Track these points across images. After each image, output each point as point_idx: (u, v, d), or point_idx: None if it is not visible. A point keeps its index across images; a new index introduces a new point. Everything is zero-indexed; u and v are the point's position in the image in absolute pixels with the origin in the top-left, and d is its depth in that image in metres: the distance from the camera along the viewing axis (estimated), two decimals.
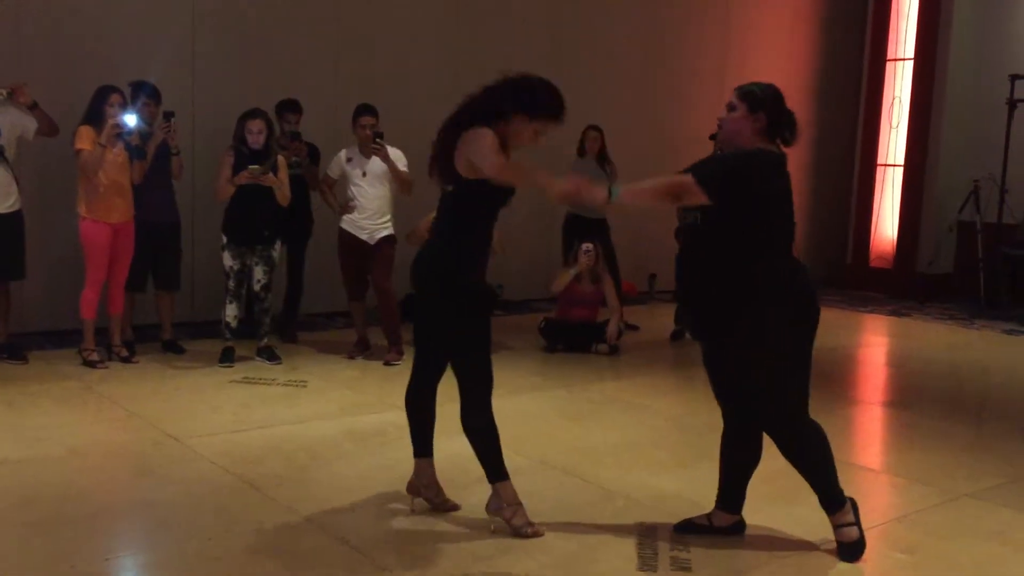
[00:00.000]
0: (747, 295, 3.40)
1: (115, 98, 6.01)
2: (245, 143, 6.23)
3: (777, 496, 4.05)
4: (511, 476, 3.69)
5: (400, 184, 6.54)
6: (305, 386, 5.95)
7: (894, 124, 11.31)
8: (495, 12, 8.97)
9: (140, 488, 4.17)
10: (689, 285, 3.61)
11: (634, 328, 8.09)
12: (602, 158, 7.98)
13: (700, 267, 3.51)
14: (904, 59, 11.24)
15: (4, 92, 5.96)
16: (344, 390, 5.92)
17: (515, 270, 8.70)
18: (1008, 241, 9.97)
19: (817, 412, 3.61)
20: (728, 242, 3.40)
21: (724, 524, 3.75)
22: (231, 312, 6.40)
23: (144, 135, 6.21)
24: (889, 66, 11.37)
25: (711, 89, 10.47)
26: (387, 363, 6.52)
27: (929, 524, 3.96)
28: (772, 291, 3.40)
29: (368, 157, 6.48)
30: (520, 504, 3.67)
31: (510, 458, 3.72)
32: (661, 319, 8.40)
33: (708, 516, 3.77)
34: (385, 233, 6.59)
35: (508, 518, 3.65)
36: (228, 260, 6.32)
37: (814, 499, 3.66)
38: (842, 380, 6.85)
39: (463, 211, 3.65)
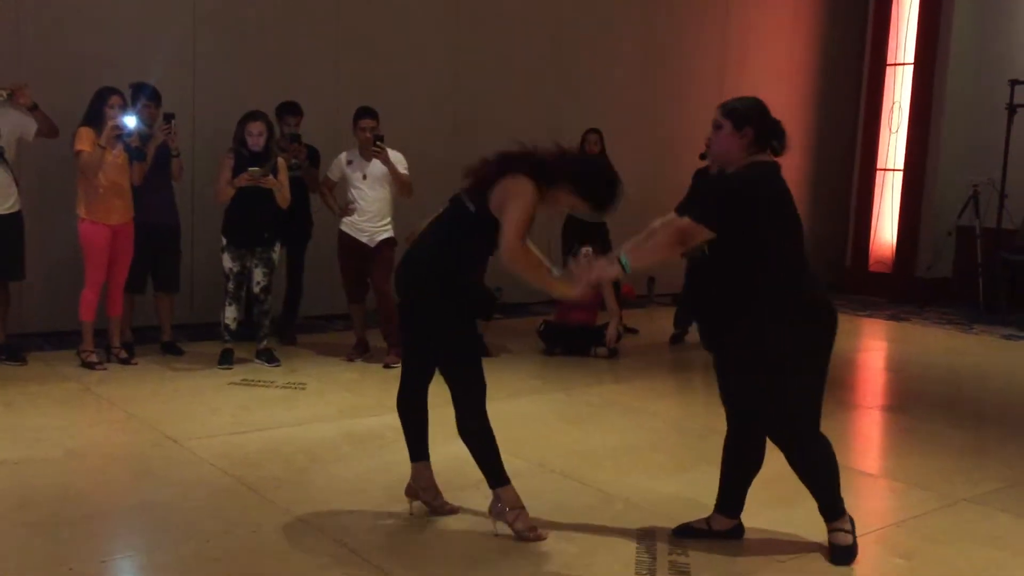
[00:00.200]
0: (763, 313, 3.40)
1: (115, 100, 6.01)
2: (245, 145, 6.23)
3: (775, 500, 4.05)
4: (511, 479, 3.69)
5: (400, 187, 6.54)
6: (304, 388, 5.94)
7: (894, 128, 11.31)
8: (495, 13, 8.97)
9: (138, 490, 4.17)
10: (704, 308, 3.60)
11: (633, 331, 8.09)
12: None
13: (714, 297, 3.49)
14: (904, 63, 11.25)
15: (4, 93, 5.96)
16: (343, 392, 5.92)
17: None
18: (1007, 246, 9.97)
19: None
20: (739, 268, 3.38)
21: (723, 528, 3.75)
22: (230, 314, 6.40)
23: (144, 137, 6.21)
24: (889, 70, 11.38)
25: (710, 92, 10.47)
26: (386, 366, 6.52)
27: (927, 529, 3.96)
28: (788, 308, 3.40)
29: (368, 160, 6.49)
30: (523, 508, 3.67)
31: (509, 461, 3.72)
32: (660, 322, 8.41)
33: (707, 520, 3.77)
34: (385, 236, 6.60)
35: (511, 522, 3.65)
36: (228, 262, 6.32)
37: (812, 503, 3.66)
38: (841, 384, 6.84)
39: (474, 228, 3.63)
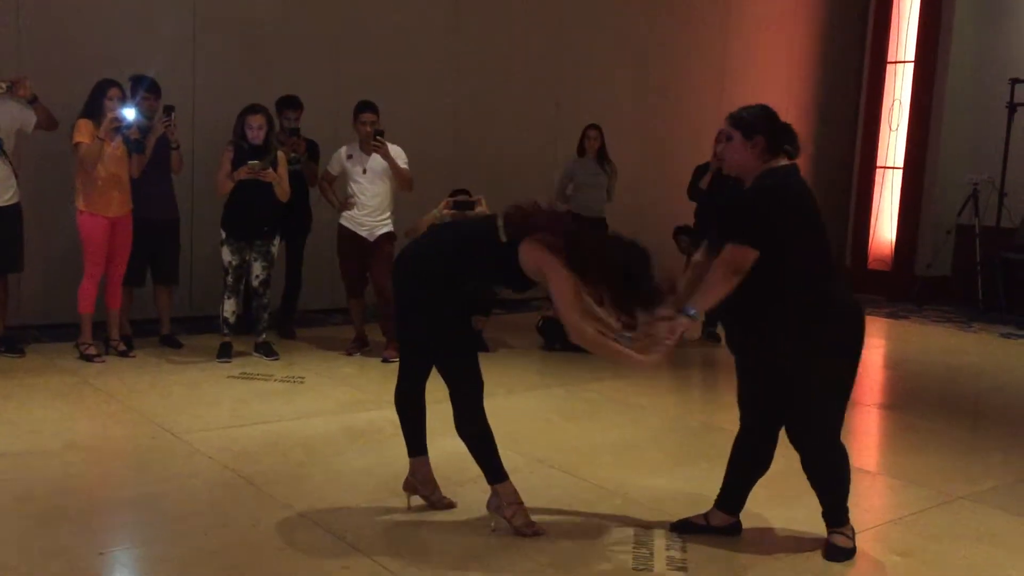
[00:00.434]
0: (790, 317, 3.39)
1: (114, 92, 6.00)
2: (245, 138, 6.22)
3: (775, 498, 4.05)
4: (509, 474, 3.69)
5: (400, 181, 6.54)
6: (303, 382, 5.94)
7: (894, 126, 11.31)
8: (496, 9, 8.96)
9: (136, 483, 4.17)
10: (730, 311, 3.54)
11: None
12: (601, 157, 7.99)
13: (740, 300, 3.42)
14: (904, 62, 11.25)
15: (4, 85, 5.94)
16: (342, 387, 5.92)
17: None
18: (1006, 245, 9.98)
19: None
20: (764, 271, 3.34)
21: (721, 524, 3.75)
22: (229, 307, 6.39)
23: (143, 129, 6.20)
24: (889, 68, 11.38)
25: (711, 90, 10.48)
26: (385, 360, 6.52)
27: (924, 526, 3.97)
28: (814, 311, 3.40)
29: (368, 154, 6.48)
30: (521, 504, 3.67)
31: (507, 456, 3.72)
32: None
33: (705, 515, 3.78)
34: (385, 230, 6.59)
35: (509, 517, 3.65)
36: (227, 255, 6.32)
37: (811, 501, 3.67)
38: None
39: (493, 254, 3.56)
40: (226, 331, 6.40)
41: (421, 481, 3.88)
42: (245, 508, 3.84)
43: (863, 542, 3.66)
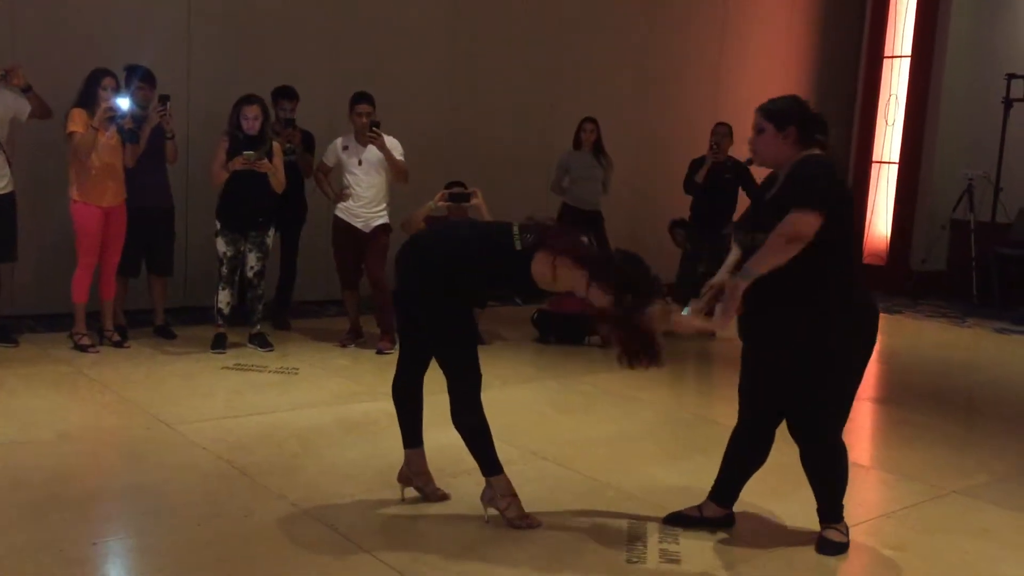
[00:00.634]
0: (814, 309, 3.39)
1: (108, 81, 5.98)
2: (240, 129, 6.20)
3: (769, 492, 4.06)
4: (503, 467, 3.69)
5: (396, 173, 6.53)
6: (297, 373, 5.94)
7: (890, 121, 11.31)
8: (495, 1, 8.93)
9: (130, 473, 4.17)
10: (752, 297, 3.48)
11: None
12: (597, 150, 7.97)
13: (766, 287, 3.39)
14: (901, 56, 11.24)
15: None
16: (336, 378, 5.91)
17: None
18: (1001, 240, 10.00)
19: None
20: (814, 254, 3.31)
21: (714, 516, 3.76)
22: (224, 298, 6.38)
23: (137, 119, 6.18)
24: (886, 63, 11.38)
25: (708, 84, 10.48)
26: (379, 352, 6.51)
27: (917, 520, 3.98)
28: (838, 306, 3.40)
29: (364, 145, 6.47)
30: (515, 496, 3.67)
31: (501, 449, 3.72)
32: None
33: (699, 507, 3.78)
34: (380, 222, 6.58)
35: (502, 509, 3.65)
36: (221, 246, 6.31)
37: (804, 495, 3.68)
38: None
39: (505, 258, 3.53)
40: (220, 322, 6.39)
41: (415, 473, 3.88)
42: (239, 499, 3.84)
43: (856, 536, 3.67)
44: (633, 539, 3.61)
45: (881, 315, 3.54)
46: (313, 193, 7.11)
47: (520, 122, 9.10)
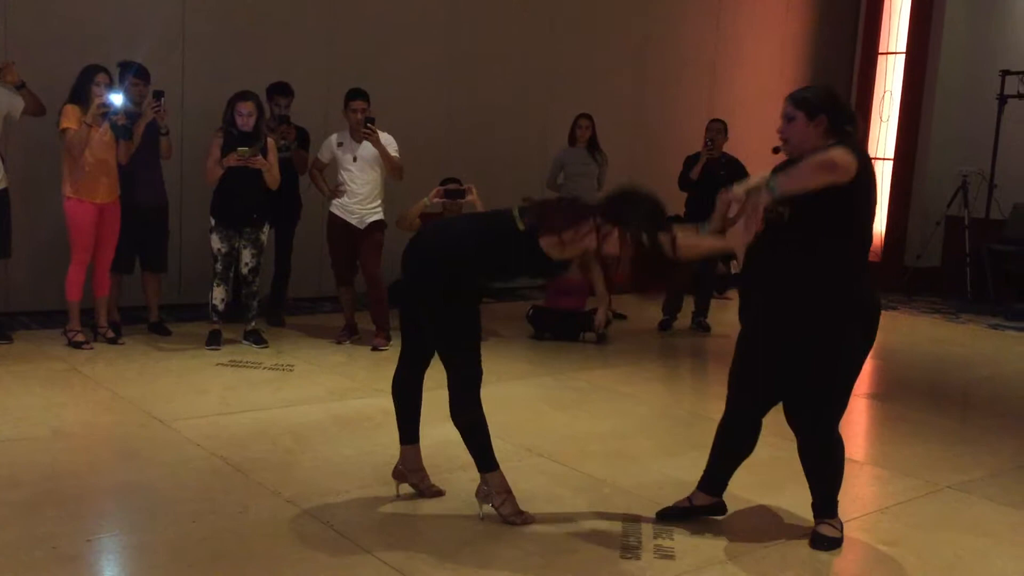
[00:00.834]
0: (825, 298, 3.40)
1: (101, 77, 5.96)
2: (234, 125, 6.19)
3: (763, 485, 4.07)
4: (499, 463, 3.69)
5: (391, 169, 6.52)
6: (292, 370, 5.93)
7: (884, 118, 11.32)
8: None
9: (124, 470, 4.16)
10: (763, 277, 3.50)
11: (622, 317, 8.09)
12: (592, 146, 7.97)
13: (782, 263, 3.42)
14: (896, 53, 11.25)
15: None
16: (331, 374, 5.91)
17: None
18: (995, 236, 10.01)
19: None
20: (817, 243, 3.34)
21: (704, 503, 3.77)
22: (218, 295, 6.37)
23: (131, 115, 6.17)
24: (881, 60, 11.39)
25: (703, 80, 10.48)
26: (374, 348, 6.51)
27: (911, 516, 3.99)
28: (848, 297, 3.41)
29: (359, 142, 6.46)
30: (509, 492, 3.67)
31: (496, 445, 3.72)
32: (649, 308, 8.41)
33: (688, 498, 3.79)
34: (375, 218, 6.58)
35: (497, 506, 3.66)
36: (216, 242, 6.30)
37: (798, 489, 3.68)
38: None
39: (511, 241, 3.53)
40: (215, 319, 6.38)
41: (411, 469, 3.88)
42: (233, 496, 3.84)
43: (850, 531, 3.68)
44: (627, 535, 3.61)
45: (880, 312, 3.54)
46: (308, 189, 7.10)
47: (516, 119, 9.10)
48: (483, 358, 3.67)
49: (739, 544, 3.61)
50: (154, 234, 6.54)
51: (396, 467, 3.91)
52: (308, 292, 8.02)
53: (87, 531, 3.49)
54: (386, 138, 6.46)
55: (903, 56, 11.13)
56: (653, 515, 3.78)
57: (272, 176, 6.30)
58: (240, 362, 6.02)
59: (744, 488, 3.93)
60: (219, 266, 6.33)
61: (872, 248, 11.97)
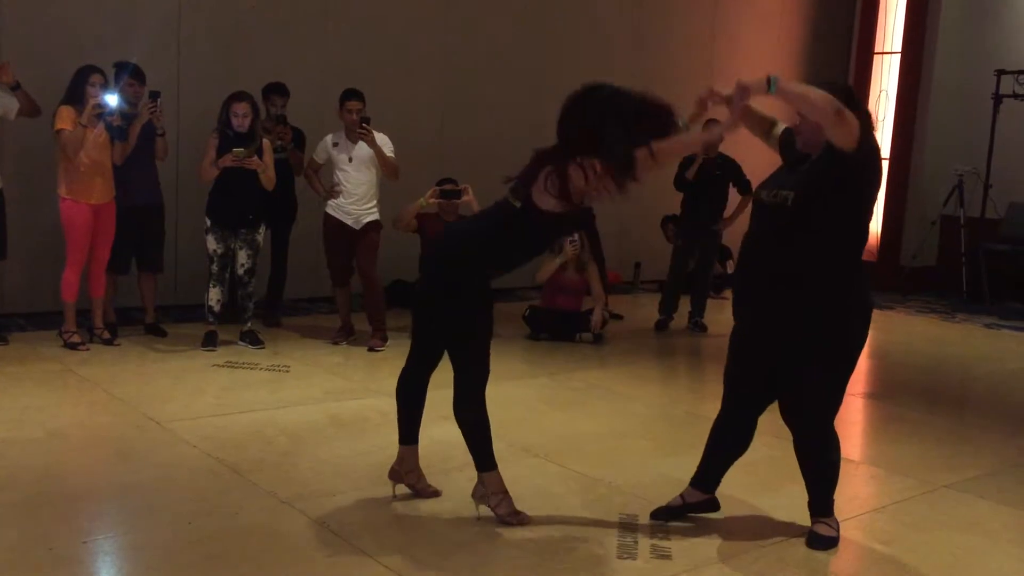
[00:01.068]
0: (823, 294, 3.40)
1: (96, 78, 5.95)
2: (230, 126, 6.18)
3: (759, 485, 4.07)
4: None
5: (386, 170, 6.52)
6: (288, 371, 5.93)
7: (880, 117, 11.32)
8: None
9: (120, 471, 4.15)
10: (763, 272, 3.49)
11: (618, 317, 8.10)
12: None
13: (783, 256, 3.42)
14: (891, 53, 11.27)
15: None
16: (327, 375, 5.90)
17: None
18: (991, 236, 10.03)
19: None
20: (818, 234, 3.35)
21: (697, 500, 3.78)
22: (214, 296, 6.37)
23: (126, 116, 6.16)
24: (876, 59, 11.40)
25: (699, 79, 10.46)
26: (371, 349, 6.51)
27: (907, 515, 3.99)
28: (854, 297, 3.43)
29: (354, 142, 6.46)
30: (506, 493, 3.67)
31: (493, 445, 3.72)
32: (645, 308, 8.42)
33: (681, 495, 3.80)
34: (371, 218, 6.57)
35: (493, 506, 3.65)
36: (212, 243, 6.29)
37: (794, 490, 3.68)
38: None
39: (517, 222, 3.53)
40: (211, 319, 6.38)
41: (407, 470, 3.87)
42: (229, 496, 3.83)
43: (846, 531, 3.68)
44: (624, 535, 3.61)
45: (873, 310, 3.55)
46: (303, 190, 7.09)
47: (512, 118, 9.08)
48: None
49: (735, 544, 3.61)
50: (150, 235, 6.53)
51: (392, 468, 3.90)
52: (304, 293, 8.01)
53: (83, 532, 3.48)
54: (381, 138, 6.46)
55: (899, 56, 11.15)
56: (649, 514, 3.78)
57: (268, 177, 6.30)
58: (236, 363, 6.02)
59: (740, 488, 3.93)
60: (215, 267, 6.32)
61: (868, 247, 12.03)
